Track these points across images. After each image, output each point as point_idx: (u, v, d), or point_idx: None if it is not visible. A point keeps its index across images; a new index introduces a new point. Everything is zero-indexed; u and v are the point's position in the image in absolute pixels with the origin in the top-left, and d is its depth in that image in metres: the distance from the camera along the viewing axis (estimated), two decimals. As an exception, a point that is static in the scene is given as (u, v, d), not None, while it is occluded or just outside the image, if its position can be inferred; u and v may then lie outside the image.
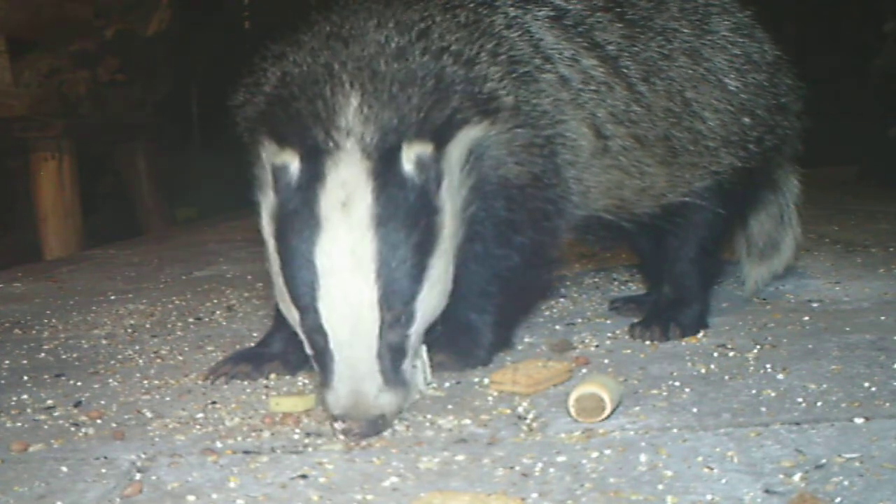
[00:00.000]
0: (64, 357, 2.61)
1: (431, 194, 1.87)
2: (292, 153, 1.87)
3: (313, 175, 1.84)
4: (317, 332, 1.82)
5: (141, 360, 2.50)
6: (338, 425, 1.77)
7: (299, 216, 1.82)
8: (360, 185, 1.81)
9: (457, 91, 2.01)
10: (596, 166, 2.27)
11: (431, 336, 2.02)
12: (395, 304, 1.80)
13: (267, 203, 1.93)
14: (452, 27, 2.11)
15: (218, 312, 3.11)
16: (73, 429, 1.94)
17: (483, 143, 2.06)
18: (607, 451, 1.64)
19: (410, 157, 1.85)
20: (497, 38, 2.16)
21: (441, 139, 1.92)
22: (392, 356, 1.83)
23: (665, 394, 1.96)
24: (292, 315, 1.89)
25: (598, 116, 2.25)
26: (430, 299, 1.88)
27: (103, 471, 1.70)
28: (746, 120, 2.48)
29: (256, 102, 2.12)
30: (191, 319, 3.03)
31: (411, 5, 2.16)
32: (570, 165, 2.21)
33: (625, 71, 2.30)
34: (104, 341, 2.78)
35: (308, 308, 1.81)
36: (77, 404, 2.12)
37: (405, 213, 1.81)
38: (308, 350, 1.89)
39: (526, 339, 2.48)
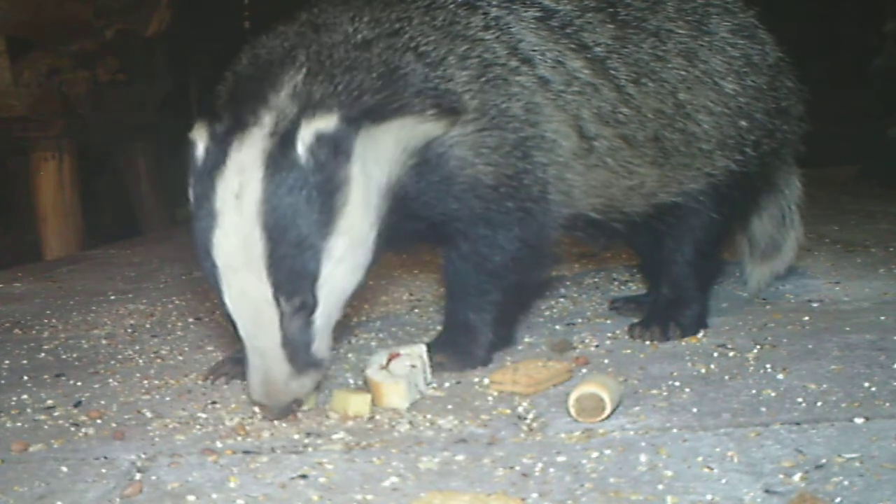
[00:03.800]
0: (64, 357, 2.61)
1: (331, 169, 1.86)
2: (203, 130, 1.91)
3: (217, 158, 1.86)
4: (231, 321, 1.88)
5: (141, 360, 2.51)
6: (257, 409, 1.91)
7: (201, 205, 1.86)
8: (254, 173, 1.82)
9: (411, 85, 2.03)
10: (579, 166, 2.27)
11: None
12: (293, 294, 1.82)
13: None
14: (427, 30, 2.12)
15: (218, 312, 3.11)
16: (73, 429, 1.94)
17: (444, 142, 2.08)
18: (607, 451, 1.65)
19: (305, 137, 1.84)
20: (470, 41, 2.16)
21: (367, 115, 1.92)
22: (299, 343, 1.86)
23: (665, 394, 1.97)
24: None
25: (582, 117, 2.25)
26: (335, 278, 1.88)
27: (103, 471, 1.70)
28: (743, 123, 2.47)
29: (228, 86, 2.15)
30: (191, 319, 3.03)
31: (391, 5, 2.17)
32: (547, 166, 2.21)
33: (613, 72, 2.29)
34: (104, 341, 2.78)
35: (220, 299, 1.87)
36: (77, 404, 2.12)
37: (295, 199, 1.82)
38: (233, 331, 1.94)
39: (526, 339, 2.48)
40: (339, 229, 1.86)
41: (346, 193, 1.88)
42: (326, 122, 1.86)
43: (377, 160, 1.96)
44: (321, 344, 1.91)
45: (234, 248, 1.81)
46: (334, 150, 1.86)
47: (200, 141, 1.91)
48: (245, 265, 1.81)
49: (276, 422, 1.90)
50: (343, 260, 1.89)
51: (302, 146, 1.84)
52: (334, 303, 1.92)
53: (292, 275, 1.82)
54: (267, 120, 1.88)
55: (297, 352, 1.86)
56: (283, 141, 1.84)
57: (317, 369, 1.91)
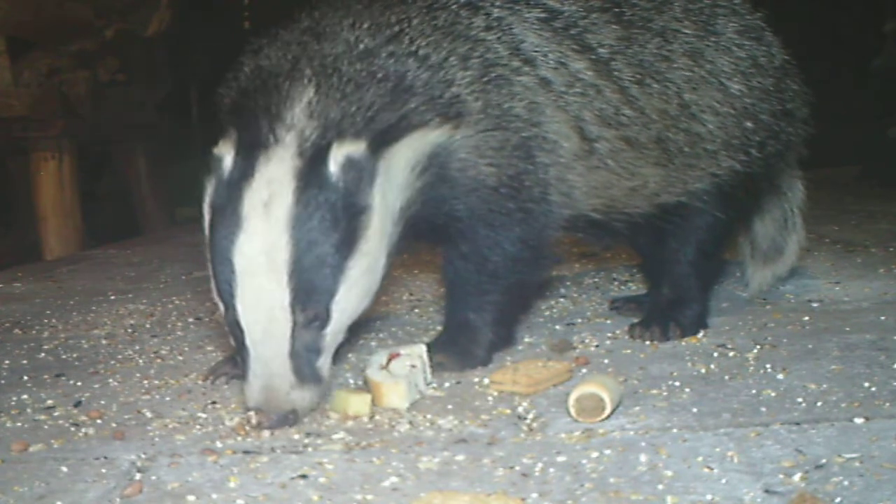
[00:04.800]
0: (64, 357, 2.61)
1: (357, 194, 1.88)
2: (230, 145, 1.93)
3: (245, 170, 1.88)
4: (236, 328, 1.87)
5: (141, 360, 2.51)
6: (251, 417, 1.86)
7: (225, 212, 1.87)
8: (284, 185, 1.84)
9: (416, 94, 2.04)
10: (580, 167, 2.27)
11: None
12: (309, 305, 1.84)
13: (207, 192, 1.97)
14: (427, 30, 2.13)
15: (218, 312, 3.11)
16: (73, 429, 1.95)
17: (447, 146, 2.08)
18: (607, 451, 1.65)
19: (338, 158, 1.86)
20: (472, 41, 2.16)
21: (383, 139, 1.95)
22: (306, 355, 1.87)
23: (665, 394, 1.97)
24: (219, 307, 1.94)
25: (583, 119, 2.25)
26: (349, 299, 1.90)
27: (103, 471, 1.70)
28: (749, 124, 2.46)
29: (231, 95, 2.15)
30: (191, 319, 3.03)
31: (391, 7, 2.17)
32: (549, 166, 2.21)
33: (617, 73, 2.29)
34: (104, 341, 2.78)
35: (228, 304, 1.87)
36: (77, 404, 2.12)
37: (324, 215, 1.84)
38: (231, 342, 1.95)
39: (526, 339, 2.48)
40: (359, 251, 1.89)
41: (369, 218, 1.91)
42: (356, 148, 1.89)
43: (392, 184, 1.98)
44: (325, 362, 1.92)
45: (256, 253, 1.82)
46: (360, 174, 1.88)
47: (228, 154, 1.91)
48: (266, 270, 1.81)
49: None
50: (358, 283, 1.91)
51: (335, 166, 1.86)
52: (344, 322, 1.93)
53: (312, 287, 1.83)
54: (288, 139, 1.89)
55: (303, 364, 1.86)
56: (314, 159, 1.86)
57: (318, 385, 1.91)
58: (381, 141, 1.95)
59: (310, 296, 1.83)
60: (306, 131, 1.91)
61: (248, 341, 1.85)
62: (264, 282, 1.81)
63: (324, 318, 1.87)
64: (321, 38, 2.09)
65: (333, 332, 1.91)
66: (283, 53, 2.09)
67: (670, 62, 2.37)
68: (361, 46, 2.06)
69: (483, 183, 2.15)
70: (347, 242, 1.87)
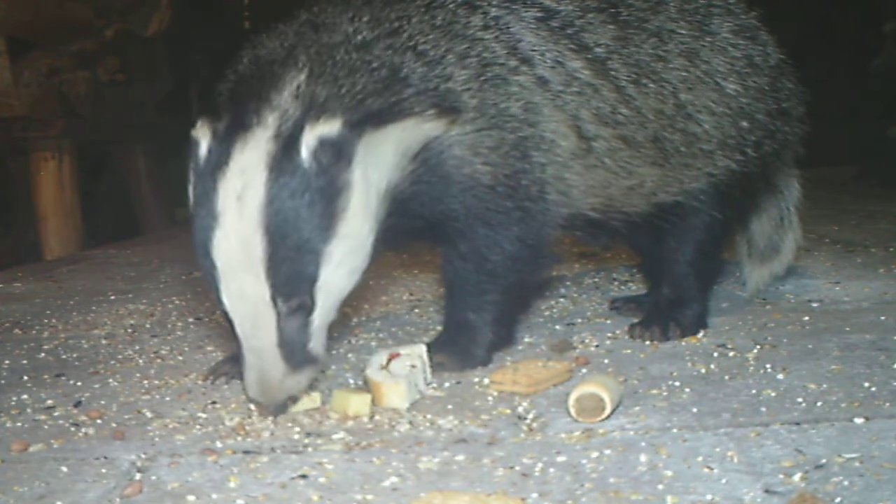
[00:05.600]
0: (64, 357, 2.61)
1: (333, 175, 1.86)
2: (206, 129, 1.91)
3: (220, 158, 1.86)
4: (227, 319, 1.89)
5: (141, 360, 2.51)
6: (252, 406, 1.95)
7: (202, 205, 1.86)
8: (257, 174, 1.82)
9: (410, 85, 2.03)
10: (578, 166, 2.27)
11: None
12: (292, 296, 1.83)
13: (189, 175, 1.95)
14: (426, 29, 2.13)
15: (218, 312, 3.10)
16: (73, 429, 1.94)
17: (442, 140, 2.07)
18: (607, 451, 1.65)
19: (310, 142, 1.84)
20: (469, 40, 2.16)
21: (368, 120, 1.92)
22: (296, 341, 1.87)
23: (665, 394, 1.97)
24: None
25: (580, 118, 2.25)
26: (333, 283, 1.89)
27: (103, 471, 1.70)
28: (744, 124, 2.46)
29: (229, 87, 2.15)
30: (191, 319, 3.03)
31: (391, 4, 2.18)
32: (546, 166, 2.21)
33: (613, 73, 2.29)
34: (104, 341, 2.78)
35: (216, 297, 1.88)
36: (77, 404, 2.12)
37: (298, 204, 1.82)
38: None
39: (526, 339, 2.48)
40: (339, 234, 1.87)
41: (347, 198, 1.88)
42: (330, 127, 1.86)
43: (377, 165, 1.96)
44: (317, 343, 1.92)
45: (233, 250, 1.81)
46: (337, 154, 1.86)
47: (203, 139, 1.90)
48: (244, 266, 1.81)
49: (274, 422, 1.91)
50: (342, 264, 1.90)
51: (306, 151, 1.84)
52: (332, 304, 1.93)
53: (291, 277, 1.82)
54: (270, 120, 1.88)
55: (293, 351, 1.86)
56: (287, 144, 1.84)
57: (312, 366, 1.91)
58: (365, 121, 1.92)
59: (291, 286, 1.82)
60: (289, 111, 1.89)
61: (238, 333, 1.87)
62: (244, 278, 1.81)
63: (308, 305, 1.86)
64: (319, 29, 2.10)
65: (321, 315, 1.90)
66: (279, 43, 2.10)
67: (666, 62, 2.37)
68: (359, 38, 2.07)
69: (479, 181, 2.14)
70: (326, 226, 1.85)
